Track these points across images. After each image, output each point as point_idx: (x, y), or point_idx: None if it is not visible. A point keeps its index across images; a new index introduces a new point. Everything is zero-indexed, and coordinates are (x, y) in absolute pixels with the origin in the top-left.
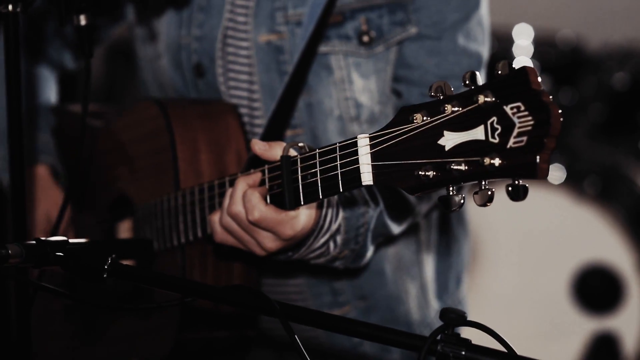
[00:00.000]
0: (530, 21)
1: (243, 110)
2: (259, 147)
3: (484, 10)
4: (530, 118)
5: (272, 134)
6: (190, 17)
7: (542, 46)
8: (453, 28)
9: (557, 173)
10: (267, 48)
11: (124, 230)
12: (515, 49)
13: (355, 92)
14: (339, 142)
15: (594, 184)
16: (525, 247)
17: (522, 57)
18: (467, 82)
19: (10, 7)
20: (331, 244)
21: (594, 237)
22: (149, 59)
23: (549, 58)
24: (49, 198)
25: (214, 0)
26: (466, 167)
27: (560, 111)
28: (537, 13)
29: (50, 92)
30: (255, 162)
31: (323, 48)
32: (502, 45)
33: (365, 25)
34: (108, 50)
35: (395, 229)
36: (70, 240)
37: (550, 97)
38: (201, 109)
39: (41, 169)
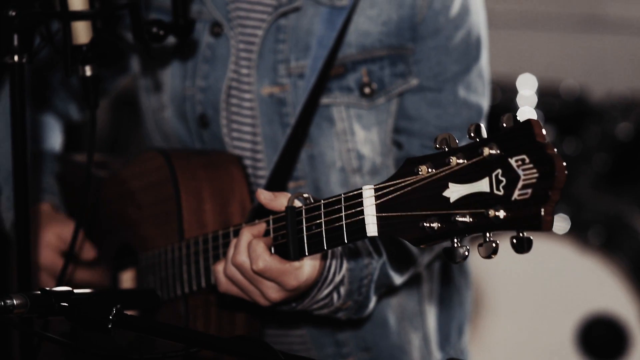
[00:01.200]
0: (534, 71)
1: (247, 162)
2: (265, 196)
3: (484, 62)
4: (534, 171)
5: (275, 185)
6: (195, 68)
7: (546, 96)
8: (453, 80)
9: (561, 223)
10: (270, 100)
11: (127, 279)
12: (519, 99)
13: (357, 143)
14: (344, 193)
15: (598, 233)
16: (529, 296)
17: (526, 107)
18: (472, 134)
19: (16, 57)
20: (335, 295)
21: (599, 287)
22: (153, 109)
23: (553, 108)
24: (57, 222)
25: (219, 51)
26: (471, 219)
27: (564, 164)
28: (541, 63)
29: (55, 141)
30: (259, 212)
31: (325, 100)
32: (506, 95)
33: (366, 77)
34: (113, 100)
35: (398, 279)
36: (75, 291)
37: (555, 149)
38: (205, 160)
39: (45, 205)
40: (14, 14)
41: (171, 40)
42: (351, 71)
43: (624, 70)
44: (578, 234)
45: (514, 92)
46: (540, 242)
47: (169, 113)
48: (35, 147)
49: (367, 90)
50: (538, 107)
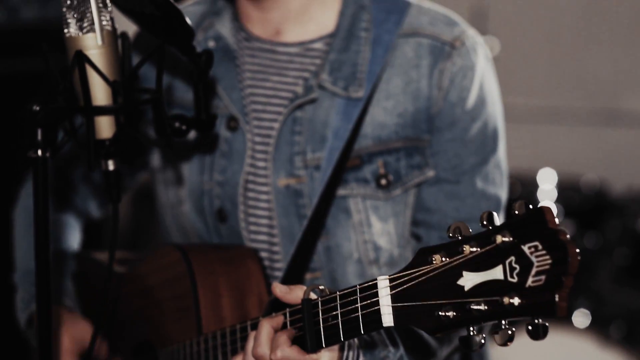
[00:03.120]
0: (555, 166)
1: (263, 254)
2: (280, 290)
3: (502, 153)
4: (548, 257)
5: (292, 277)
6: (213, 163)
7: (566, 190)
8: (471, 172)
9: (582, 318)
10: (286, 192)
11: None
12: (539, 194)
13: (373, 235)
14: (359, 285)
15: (619, 328)
16: None
17: (547, 201)
18: (485, 222)
19: (39, 152)
20: None
21: None
22: (171, 204)
23: (573, 202)
24: (73, 325)
25: (236, 146)
26: (486, 307)
27: (577, 250)
28: (561, 158)
29: (74, 240)
30: (277, 305)
31: (341, 191)
32: (526, 189)
33: (382, 168)
34: (134, 195)
35: None
36: None
37: (568, 235)
38: (222, 254)
39: (61, 308)
40: (38, 108)
41: (190, 134)
42: (367, 163)
43: None
44: (599, 328)
45: (535, 186)
46: (561, 337)
47: (187, 207)
48: (54, 247)
49: (383, 181)
50: (558, 201)
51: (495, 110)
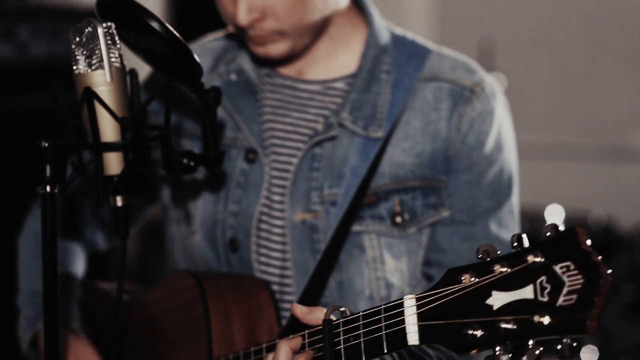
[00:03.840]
0: (562, 202)
1: (274, 287)
2: (300, 310)
3: (515, 199)
4: (580, 277)
5: None
6: (228, 193)
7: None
8: (485, 215)
9: (589, 354)
10: (302, 226)
11: None
12: None
13: (386, 272)
14: (384, 304)
15: None
16: None
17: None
18: (515, 244)
19: (48, 188)
20: None
21: None
22: (182, 236)
23: None
24: (82, 349)
25: (252, 178)
26: (515, 326)
27: (609, 271)
28: (569, 194)
29: (79, 268)
30: (293, 328)
31: (356, 227)
32: (534, 225)
33: (398, 206)
34: (142, 230)
35: None
36: None
37: (599, 257)
38: (234, 283)
39: (69, 332)
40: (46, 145)
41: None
42: (383, 200)
43: None
44: None
45: (542, 222)
46: None
47: (197, 238)
48: (61, 271)
49: (398, 219)
50: None
51: (511, 157)
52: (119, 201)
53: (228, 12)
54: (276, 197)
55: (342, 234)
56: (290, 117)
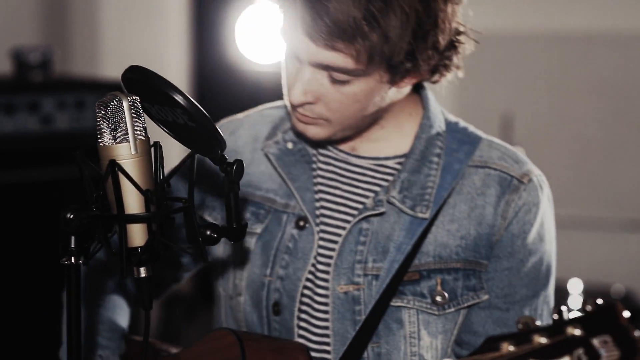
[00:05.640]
0: (582, 275)
1: (313, 354)
2: None
3: (551, 290)
4: (617, 351)
5: None
6: (276, 258)
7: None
8: (521, 302)
9: None
10: (345, 298)
11: None
12: (568, 302)
13: (422, 348)
14: None
15: None
16: None
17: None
18: (556, 316)
19: (73, 259)
20: None
21: None
22: (229, 296)
23: None
24: None
25: (301, 244)
26: None
27: None
28: (589, 267)
29: (124, 322)
30: None
31: (397, 302)
32: (555, 296)
33: (440, 286)
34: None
35: None
36: None
37: (637, 334)
38: (275, 344)
39: None
40: (71, 216)
41: (257, 230)
42: (425, 278)
43: None
44: None
45: (564, 293)
46: None
47: (243, 299)
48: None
49: (439, 298)
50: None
51: (551, 248)
52: (143, 272)
53: (288, 82)
54: (322, 267)
55: (382, 307)
56: (341, 189)
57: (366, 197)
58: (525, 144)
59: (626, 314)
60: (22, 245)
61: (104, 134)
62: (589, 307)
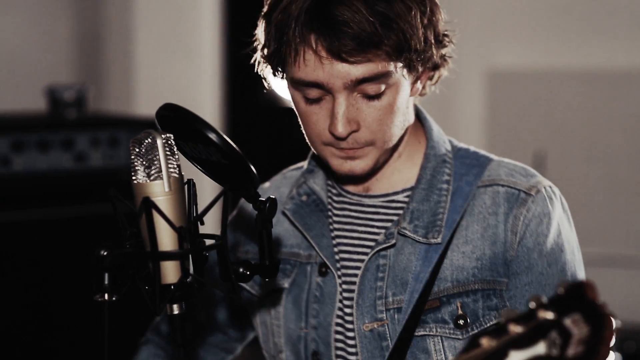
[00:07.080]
0: (616, 311)
1: None
2: None
3: None
4: (586, 327)
5: None
6: (307, 308)
7: (626, 340)
8: None
9: None
10: (371, 335)
11: None
12: None
13: None
14: None
15: None
16: None
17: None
18: (533, 304)
19: (106, 296)
20: None
21: None
22: (272, 354)
23: (630, 349)
24: None
25: (326, 290)
26: None
27: (614, 320)
28: (623, 307)
29: None
30: None
31: (421, 331)
32: None
33: (460, 310)
34: None
35: None
36: None
37: (607, 307)
38: None
39: None
40: (105, 253)
41: (284, 285)
42: (445, 304)
43: None
44: None
45: None
46: None
47: (285, 355)
48: None
49: (461, 322)
50: (616, 349)
51: (574, 258)
52: (176, 309)
53: (319, 127)
54: (347, 309)
55: (407, 339)
56: (356, 231)
57: (379, 234)
58: (558, 182)
59: (595, 290)
60: (56, 282)
61: (138, 172)
62: (560, 290)
